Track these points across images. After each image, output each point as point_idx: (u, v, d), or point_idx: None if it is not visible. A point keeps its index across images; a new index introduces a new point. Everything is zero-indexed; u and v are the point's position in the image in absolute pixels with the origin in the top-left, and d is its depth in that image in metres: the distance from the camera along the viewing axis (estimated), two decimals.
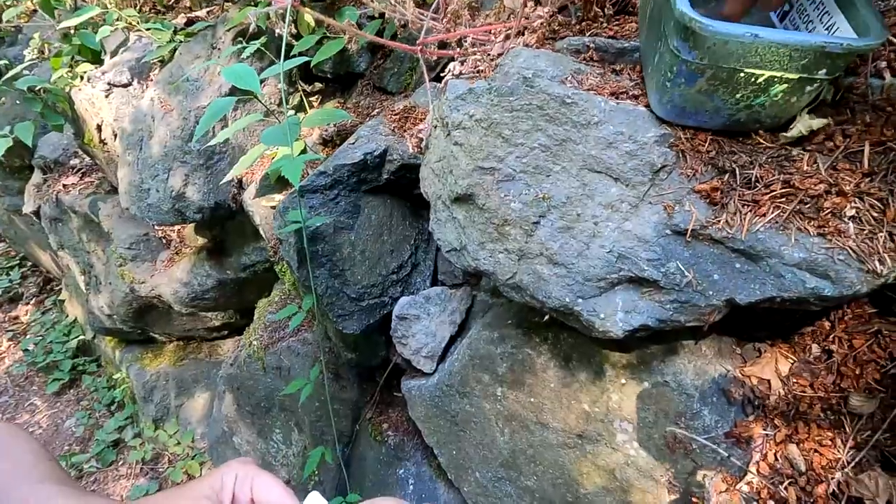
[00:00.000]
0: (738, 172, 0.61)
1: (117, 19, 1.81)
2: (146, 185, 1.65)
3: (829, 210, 0.57)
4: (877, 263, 0.55)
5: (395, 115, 1.29)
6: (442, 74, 0.89)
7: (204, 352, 2.46)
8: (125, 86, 1.80)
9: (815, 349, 0.77)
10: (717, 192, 0.61)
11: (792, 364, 0.77)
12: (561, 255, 0.69)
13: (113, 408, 2.60)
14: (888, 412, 0.67)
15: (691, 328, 0.69)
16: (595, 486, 0.89)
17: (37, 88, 1.92)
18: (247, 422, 1.70)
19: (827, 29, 0.60)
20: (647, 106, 0.68)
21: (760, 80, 0.57)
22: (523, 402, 0.98)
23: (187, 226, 2.04)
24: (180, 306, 1.98)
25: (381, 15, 1.38)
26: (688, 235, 0.63)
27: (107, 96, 1.80)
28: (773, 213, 0.58)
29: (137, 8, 2.11)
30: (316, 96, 1.71)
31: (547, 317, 0.82)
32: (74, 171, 2.35)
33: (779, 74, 0.56)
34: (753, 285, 0.60)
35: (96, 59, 1.96)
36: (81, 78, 1.89)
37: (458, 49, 0.97)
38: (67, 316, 3.02)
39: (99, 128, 1.93)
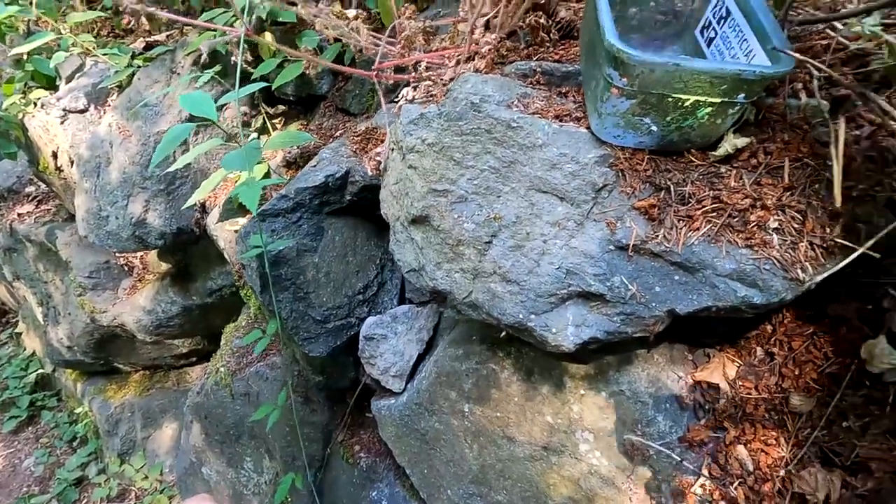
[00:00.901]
0: (672, 189, 0.65)
1: (72, 45, 1.78)
2: (105, 212, 1.61)
3: (754, 223, 0.61)
4: (799, 272, 0.59)
5: (358, 136, 1.30)
6: (396, 99, 0.91)
7: (171, 380, 2.38)
8: (81, 112, 1.77)
9: (759, 352, 0.81)
10: (654, 208, 0.65)
11: (738, 367, 0.81)
12: (513, 272, 0.71)
13: (75, 444, 2.48)
14: (825, 410, 0.71)
15: (641, 338, 0.71)
16: (562, 497, 0.91)
17: None
18: (216, 451, 1.65)
19: (746, 55, 0.64)
20: (589, 128, 0.71)
21: (687, 103, 0.61)
22: (490, 417, 1.00)
23: (150, 252, 2.00)
24: (144, 335, 1.93)
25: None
26: (630, 250, 0.66)
27: (62, 123, 1.76)
28: (705, 227, 0.62)
29: (95, 32, 2.08)
30: (279, 118, 1.72)
31: (504, 333, 0.84)
32: (30, 198, 2.28)
33: (703, 98, 0.60)
34: (691, 296, 0.64)
35: (51, 84, 1.92)
36: (35, 104, 1.84)
37: (414, 73, 1.00)
38: (25, 349, 2.89)
39: (55, 154, 1.89)
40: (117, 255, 2.01)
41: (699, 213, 0.63)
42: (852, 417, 0.69)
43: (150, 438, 2.30)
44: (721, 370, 0.81)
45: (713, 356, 0.84)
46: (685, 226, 0.63)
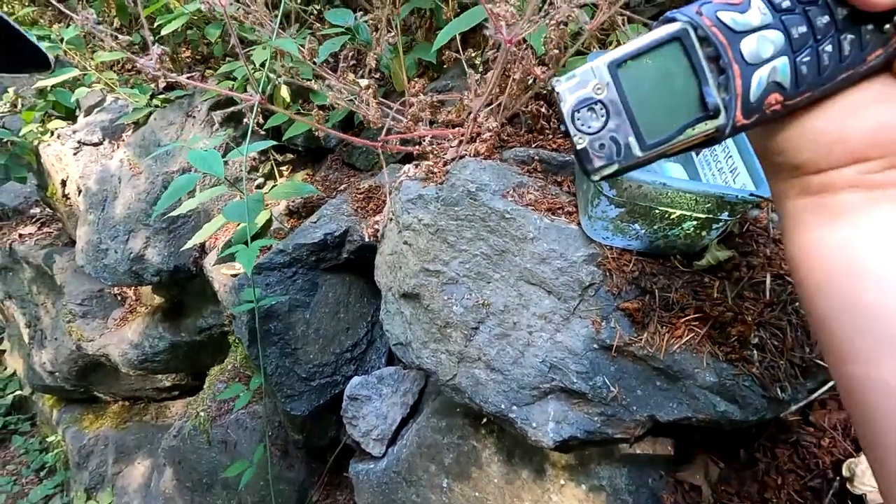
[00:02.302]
0: (657, 294, 0.66)
1: (95, 81, 1.85)
2: (104, 245, 1.63)
3: (735, 337, 0.62)
4: (778, 391, 0.59)
5: (360, 193, 1.34)
6: (398, 170, 0.94)
7: (150, 414, 2.33)
8: (96, 145, 1.82)
9: (743, 455, 0.80)
10: (638, 311, 0.66)
11: (721, 470, 0.79)
12: (498, 361, 0.72)
13: (42, 473, 2.40)
14: None
15: (623, 438, 0.71)
16: None
17: (3, 140, 1.91)
18: (185, 499, 1.59)
19: (731, 171, 0.67)
20: (579, 224, 0.74)
21: (673, 216, 0.63)
22: (468, 495, 0.97)
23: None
24: (128, 368, 1.90)
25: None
26: (613, 351, 0.67)
27: (75, 154, 1.81)
28: (687, 335, 0.63)
29: (120, 66, 2.17)
30: (287, 166, 1.76)
31: (483, 420, 0.83)
32: (33, 220, 2.30)
33: (688, 213, 0.62)
34: (672, 404, 0.64)
35: (70, 115, 1.98)
36: (52, 133, 1.90)
37: (418, 147, 1.03)
38: (6, 369, 2.84)
39: (63, 183, 1.92)
40: (112, 285, 2.01)
41: (682, 321, 0.64)
42: None
43: (121, 474, 2.22)
44: (703, 471, 0.80)
45: (697, 455, 0.83)
46: (668, 332, 0.64)
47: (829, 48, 0.22)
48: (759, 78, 0.22)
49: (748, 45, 0.22)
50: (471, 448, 0.96)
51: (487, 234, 0.76)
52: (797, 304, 0.63)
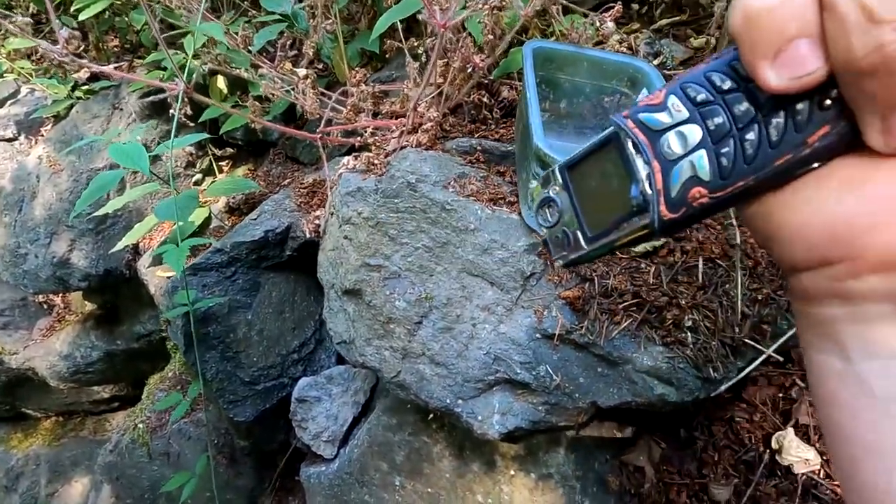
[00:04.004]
0: (597, 282, 0.67)
1: (8, 70, 1.69)
2: (23, 249, 1.49)
3: (671, 321, 0.63)
4: (711, 371, 0.61)
5: (304, 188, 1.28)
6: (338, 165, 0.90)
7: (88, 428, 2.18)
8: (10, 140, 1.66)
9: (683, 434, 0.83)
10: (579, 300, 0.66)
11: (663, 450, 0.82)
12: (442, 355, 0.70)
13: None
14: (740, 498, 0.73)
15: (568, 426, 0.71)
16: None
17: None
18: None
19: None
20: (520, 213, 0.73)
21: None
22: (421, 492, 0.96)
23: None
24: (58, 381, 1.76)
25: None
26: (556, 340, 0.66)
27: None
28: (626, 321, 0.64)
29: (38, 56, 1.99)
30: (227, 161, 1.68)
31: (431, 415, 0.82)
32: None
33: None
34: (612, 389, 0.64)
35: None
36: None
37: (359, 138, 1.00)
38: None
39: None
40: (34, 293, 1.86)
41: (620, 307, 0.65)
42: None
43: (57, 495, 2.07)
44: (647, 453, 0.82)
45: (640, 437, 0.85)
46: (607, 319, 0.65)
47: (751, 136, 0.20)
48: (677, 172, 0.22)
49: (666, 142, 0.22)
50: (422, 444, 0.95)
51: (429, 226, 0.74)
52: (727, 285, 0.65)
